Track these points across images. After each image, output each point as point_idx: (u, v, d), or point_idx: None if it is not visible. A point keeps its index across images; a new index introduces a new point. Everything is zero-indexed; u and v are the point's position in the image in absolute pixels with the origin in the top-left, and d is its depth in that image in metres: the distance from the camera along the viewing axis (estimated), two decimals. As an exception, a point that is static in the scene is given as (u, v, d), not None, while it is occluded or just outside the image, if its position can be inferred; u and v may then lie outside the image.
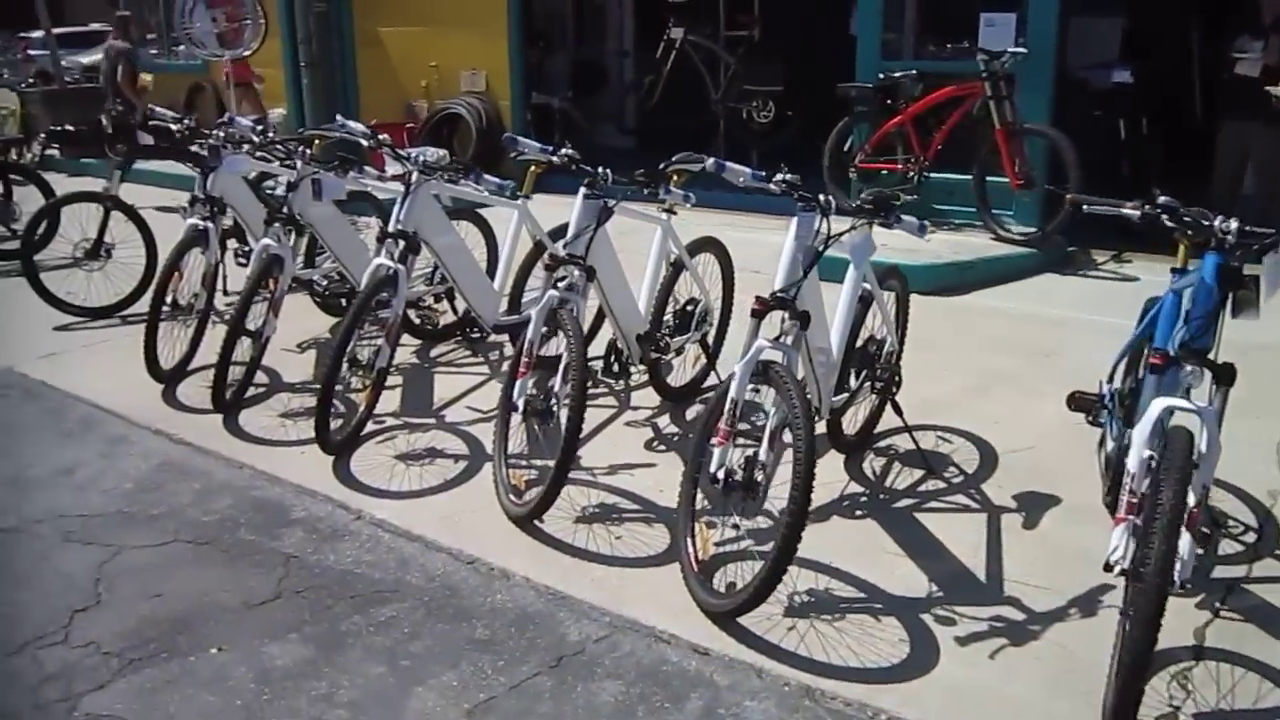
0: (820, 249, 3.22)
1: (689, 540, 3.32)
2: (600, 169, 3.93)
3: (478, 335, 5.14)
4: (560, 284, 3.79)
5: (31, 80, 15.55)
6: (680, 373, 4.89)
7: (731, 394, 3.11)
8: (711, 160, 3.14)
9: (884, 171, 7.83)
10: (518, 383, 3.71)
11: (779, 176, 3.22)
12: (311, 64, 11.02)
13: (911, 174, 7.57)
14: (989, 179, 7.24)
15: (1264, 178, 7.13)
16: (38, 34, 16.45)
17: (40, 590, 3.41)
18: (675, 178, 4.27)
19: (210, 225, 5.16)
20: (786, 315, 3.16)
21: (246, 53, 10.14)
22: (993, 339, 5.70)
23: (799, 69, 9.55)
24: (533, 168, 4.82)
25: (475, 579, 3.42)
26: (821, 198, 3.21)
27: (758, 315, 3.15)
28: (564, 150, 4.03)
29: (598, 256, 3.83)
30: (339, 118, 5.02)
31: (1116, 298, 6.33)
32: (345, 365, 4.19)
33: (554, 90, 11.32)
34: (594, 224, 3.81)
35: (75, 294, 6.39)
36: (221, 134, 5.17)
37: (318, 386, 5.09)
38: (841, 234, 3.28)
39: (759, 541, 3.50)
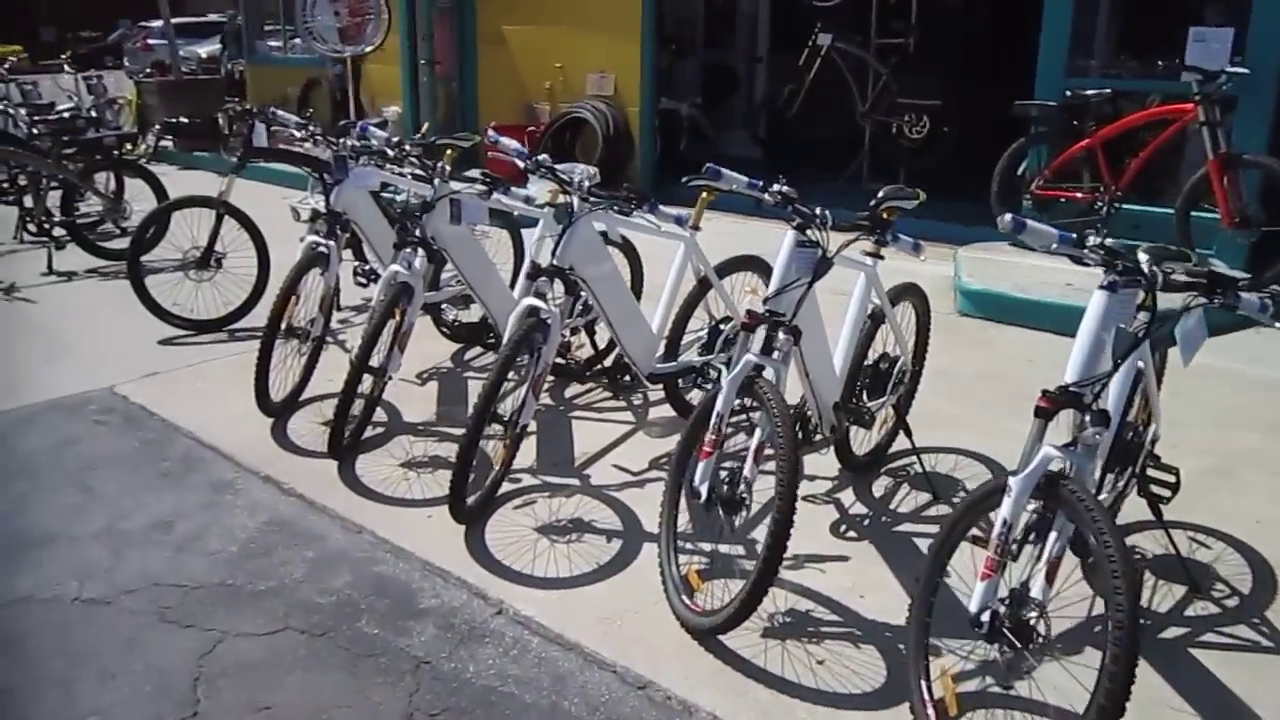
0: (1141, 335, 2.46)
1: (922, 683, 2.61)
2: (819, 210, 3.21)
3: (628, 382, 4.45)
4: (756, 345, 3.09)
5: (149, 71, 15.44)
6: (864, 436, 4.17)
7: (1006, 514, 2.39)
8: (1009, 217, 2.37)
9: (1063, 199, 7.00)
10: (700, 464, 3.02)
11: (1094, 240, 2.45)
12: (431, 61, 10.57)
13: (1100, 204, 6.72)
14: (1192, 214, 6.37)
15: None
16: (158, 23, 16.39)
17: (129, 690, 2.84)
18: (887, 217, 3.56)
19: (332, 244, 4.60)
20: (1085, 418, 2.41)
21: (369, 49, 9.66)
22: (1219, 408, 4.85)
23: (957, 82, 8.74)
24: (704, 194, 4.13)
25: (650, 713, 2.75)
26: (1147, 267, 2.43)
27: (1044, 415, 2.41)
28: (778, 187, 3.30)
29: (804, 315, 3.12)
30: (491, 132, 4.39)
31: (1357, 362, 5.43)
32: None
33: (682, 96, 10.70)
34: (808, 280, 3.09)
35: (181, 304, 5.92)
36: (350, 143, 4.60)
37: (443, 430, 4.54)
38: (1172, 315, 2.49)
39: (1003, 676, 2.77)
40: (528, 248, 4.82)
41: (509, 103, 10.51)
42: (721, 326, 4.34)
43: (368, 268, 5.11)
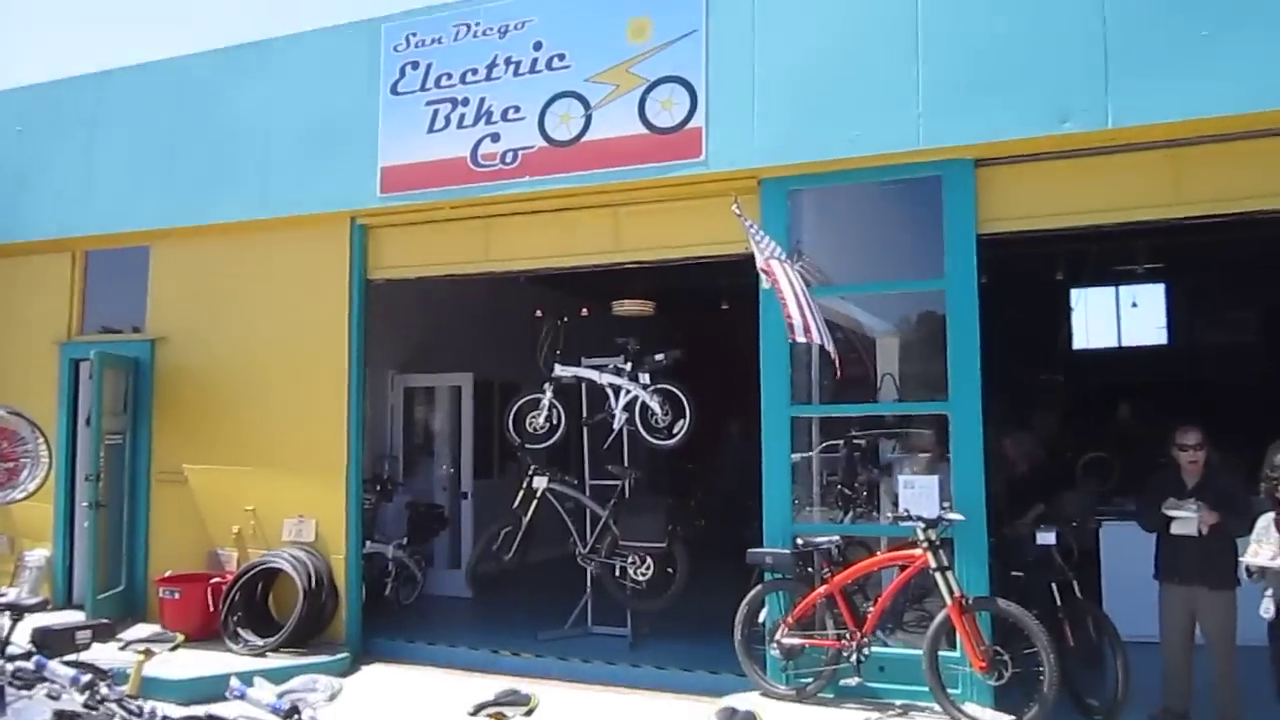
0: None
1: None
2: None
3: None
4: None
5: None
6: None
7: None
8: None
9: (808, 647, 6.82)
10: None
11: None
12: (96, 504, 9.29)
13: (847, 651, 6.59)
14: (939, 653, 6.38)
15: (1217, 639, 6.59)
16: None
17: None
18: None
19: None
20: None
21: (21, 497, 8.38)
22: None
23: (682, 522, 8.74)
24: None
25: None
26: None
27: None
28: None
29: None
30: (235, 683, 3.33)
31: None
32: None
33: (388, 537, 10.05)
34: None
35: None
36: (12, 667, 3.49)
37: None
38: None
39: None
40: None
41: (189, 548, 9.31)
42: None
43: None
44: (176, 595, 8.81)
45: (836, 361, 6.47)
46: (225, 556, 9.25)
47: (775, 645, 6.88)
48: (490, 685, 3.29)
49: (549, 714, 2.87)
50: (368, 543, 9.36)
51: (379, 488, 10.13)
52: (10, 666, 3.55)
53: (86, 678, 3.29)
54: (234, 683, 3.34)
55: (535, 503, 8.93)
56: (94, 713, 3.29)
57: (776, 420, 7.28)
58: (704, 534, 9.73)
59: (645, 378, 8.57)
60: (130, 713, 3.15)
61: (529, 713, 3.37)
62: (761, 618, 7.06)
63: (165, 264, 9.86)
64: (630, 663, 7.90)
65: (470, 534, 11.02)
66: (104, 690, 3.22)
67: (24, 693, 3.51)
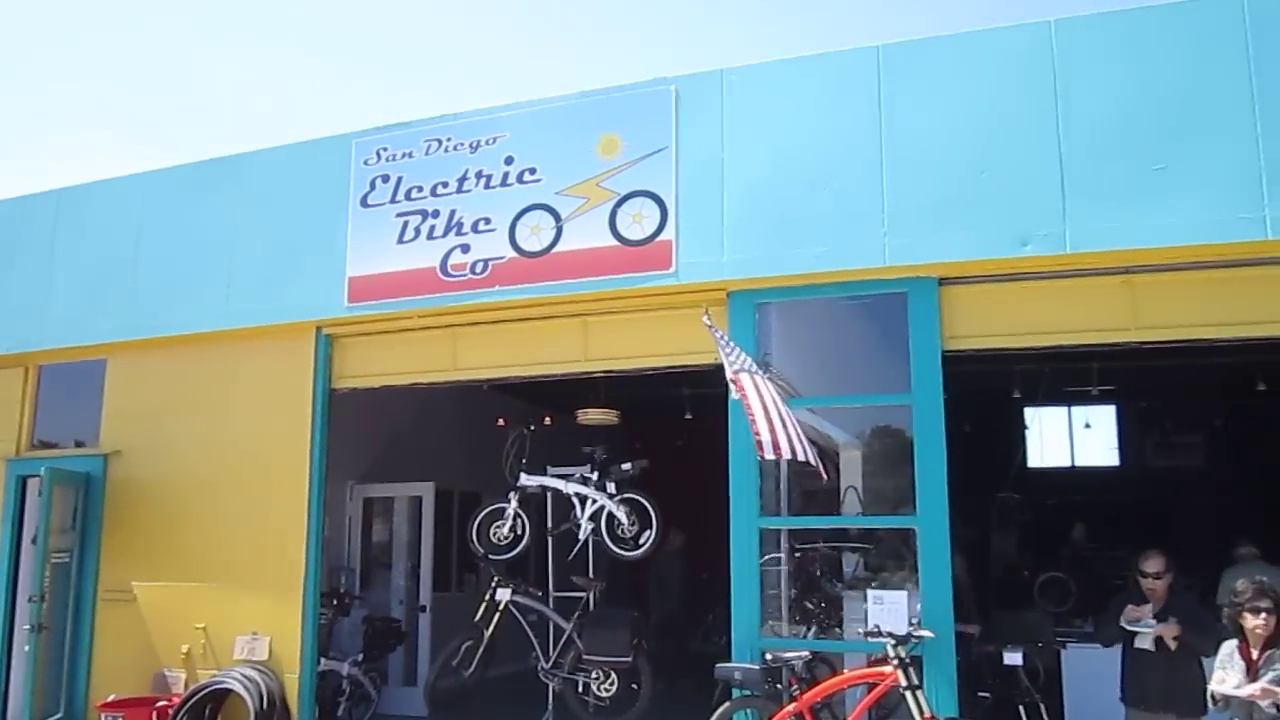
0: None
1: None
2: None
3: None
4: None
5: None
6: None
7: None
8: None
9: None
10: None
11: None
12: (39, 626, 8.91)
13: (826, 774, 6.46)
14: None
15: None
16: None
17: None
18: None
19: None
20: None
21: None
22: None
23: (647, 636, 8.57)
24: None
25: None
26: None
27: None
28: None
29: None
30: None
31: None
32: None
33: (344, 654, 9.74)
34: None
35: None
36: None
37: None
38: None
39: None
40: None
41: (134, 670, 8.93)
42: None
43: None
44: (119, 721, 8.44)
45: (822, 470, 6.46)
46: (173, 678, 8.89)
47: (747, 768, 6.72)
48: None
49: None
50: (322, 660, 9.06)
51: (335, 602, 9.85)
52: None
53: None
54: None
55: (498, 615, 8.73)
56: None
57: (745, 532, 7.23)
58: (668, 646, 9.55)
59: (612, 487, 8.51)
60: None
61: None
62: (731, 740, 6.89)
63: (122, 376, 9.71)
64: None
65: (428, 649, 10.69)
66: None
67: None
